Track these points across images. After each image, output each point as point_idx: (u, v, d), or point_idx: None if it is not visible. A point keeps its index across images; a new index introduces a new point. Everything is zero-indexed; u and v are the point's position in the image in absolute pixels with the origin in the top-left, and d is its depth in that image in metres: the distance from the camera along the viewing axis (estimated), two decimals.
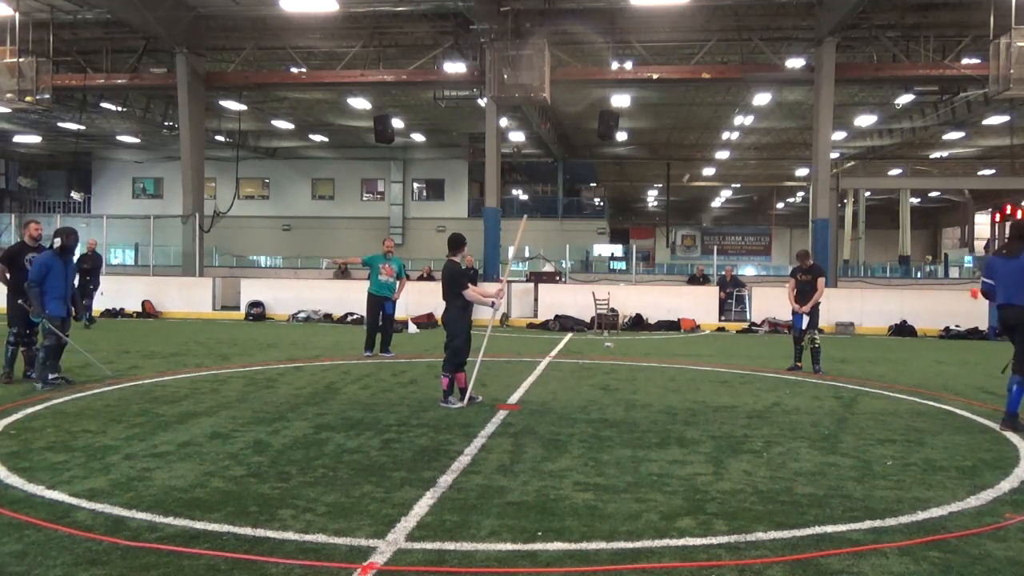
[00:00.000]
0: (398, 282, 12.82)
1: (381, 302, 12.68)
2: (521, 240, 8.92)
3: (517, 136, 34.32)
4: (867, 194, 44.62)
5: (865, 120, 30.12)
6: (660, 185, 49.55)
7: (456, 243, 8.49)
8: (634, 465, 5.96)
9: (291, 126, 33.80)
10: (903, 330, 18.78)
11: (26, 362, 9.51)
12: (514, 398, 8.84)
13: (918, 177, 39.78)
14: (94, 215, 37.47)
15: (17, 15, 19.33)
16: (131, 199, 43.10)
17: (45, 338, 8.96)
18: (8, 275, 9.45)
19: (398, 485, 5.32)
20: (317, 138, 37.30)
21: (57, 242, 9.02)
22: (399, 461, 5.95)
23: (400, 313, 17.65)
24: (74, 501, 4.87)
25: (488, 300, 8.62)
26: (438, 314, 19.93)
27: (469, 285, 8.45)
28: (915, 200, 47.32)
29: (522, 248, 9.41)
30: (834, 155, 34.63)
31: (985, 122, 28.80)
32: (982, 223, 51.72)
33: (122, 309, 20.47)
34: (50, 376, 9.06)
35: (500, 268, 23.34)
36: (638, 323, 19.37)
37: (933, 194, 49.37)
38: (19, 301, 9.12)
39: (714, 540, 4.40)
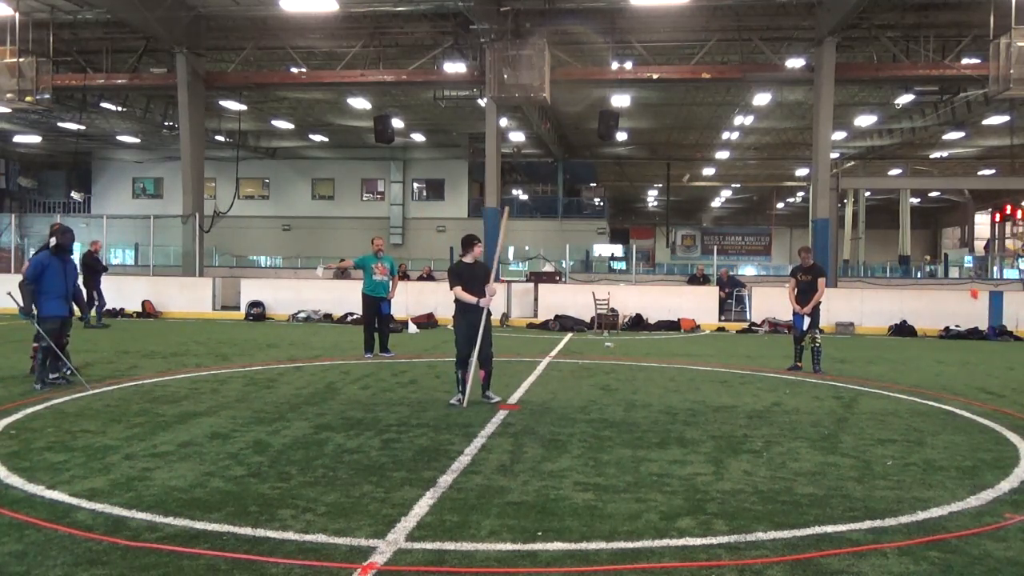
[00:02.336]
0: (391, 280, 12.79)
1: (376, 302, 12.64)
2: (505, 235, 9.22)
3: (517, 136, 34.31)
4: (867, 194, 44.63)
5: (865, 120, 30.12)
6: (660, 185, 49.56)
7: (463, 243, 8.64)
8: (634, 465, 5.96)
9: (291, 126, 33.80)
10: (903, 330, 18.77)
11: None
12: (514, 398, 8.84)
13: (918, 177, 39.78)
14: (94, 215, 37.48)
15: (17, 15, 19.32)
16: (131, 199, 43.11)
17: (41, 339, 8.95)
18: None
19: (398, 485, 5.32)
20: (317, 138, 37.30)
21: (52, 241, 9.04)
22: (399, 461, 5.96)
23: (400, 313, 17.69)
24: (74, 501, 4.87)
25: (472, 299, 8.34)
26: (438, 314, 19.97)
27: (458, 285, 8.35)
28: (915, 200, 47.33)
29: (506, 245, 9.78)
30: (834, 155, 34.63)
31: (985, 122, 28.79)
32: (982, 223, 51.76)
33: (122, 309, 20.47)
34: (50, 376, 9.08)
35: (500, 268, 23.37)
36: (638, 323, 19.36)
37: (933, 194, 49.38)
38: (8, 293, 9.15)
39: (714, 540, 4.40)
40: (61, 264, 9.06)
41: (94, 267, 17.79)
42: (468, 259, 8.54)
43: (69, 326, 9.36)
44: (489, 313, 8.47)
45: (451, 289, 8.42)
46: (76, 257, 10.60)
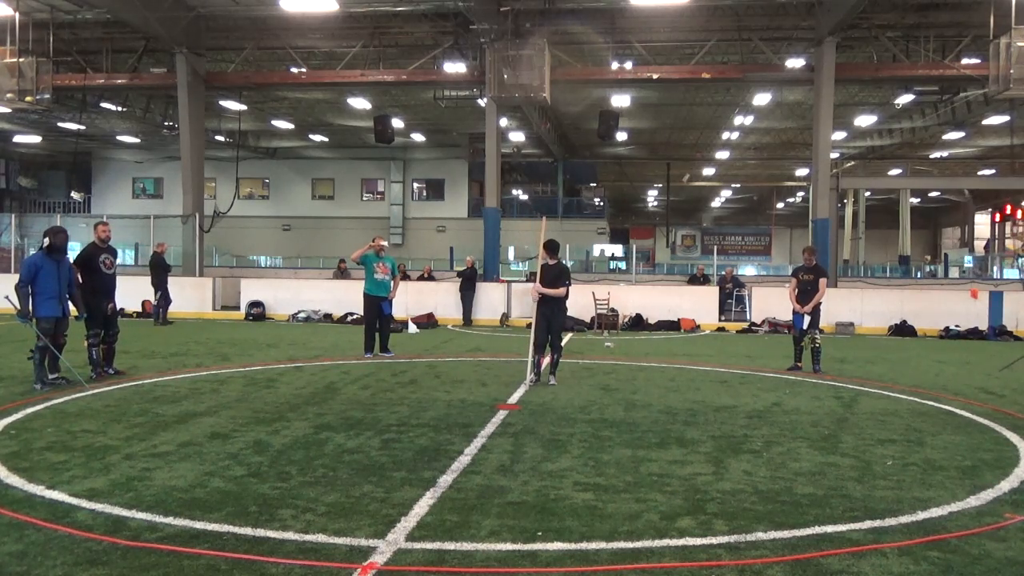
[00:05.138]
0: (393, 281, 12.81)
1: (378, 302, 12.68)
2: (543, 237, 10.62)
3: (517, 136, 34.31)
4: (867, 194, 44.61)
5: (865, 120, 30.12)
6: (660, 185, 49.53)
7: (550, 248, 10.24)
8: (634, 465, 5.96)
9: (291, 126, 33.79)
10: (903, 330, 18.78)
11: (104, 358, 9.93)
12: (514, 398, 8.84)
13: (918, 177, 39.76)
14: (94, 215, 37.42)
15: (17, 15, 19.32)
16: (131, 199, 43.09)
17: (37, 339, 8.96)
18: (81, 278, 9.71)
19: (398, 485, 5.32)
20: (317, 138, 37.30)
21: (46, 241, 9.05)
22: (399, 461, 5.95)
23: (400, 313, 17.68)
24: (74, 501, 4.87)
25: (534, 295, 10.07)
26: (438, 314, 19.98)
27: (535, 282, 10.02)
28: (915, 200, 47.30)
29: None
30: (834, 155, 34.60)
31: (985, 122, 28.80)
32: (982, 223, 51.76)
33: (122, 309, 20.40)
34: (50, 376, 9.08)
35: (500, 268, 23.37)
36: (638, 323, 19.36)
37: (933, 194, 49.36)
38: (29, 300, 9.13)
39: (714, 540, 4.40)
40: (55, 265, 9.06)
41: (161, 267, 18.83)
42: (551, 261, 10.06)
43: (65, 326, 9.35)
44: (561, 310, 10.10)
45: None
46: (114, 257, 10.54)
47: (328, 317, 20.07)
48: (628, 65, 22.40)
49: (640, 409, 8.30)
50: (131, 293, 20.90)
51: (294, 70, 24.05)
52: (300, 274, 27.62)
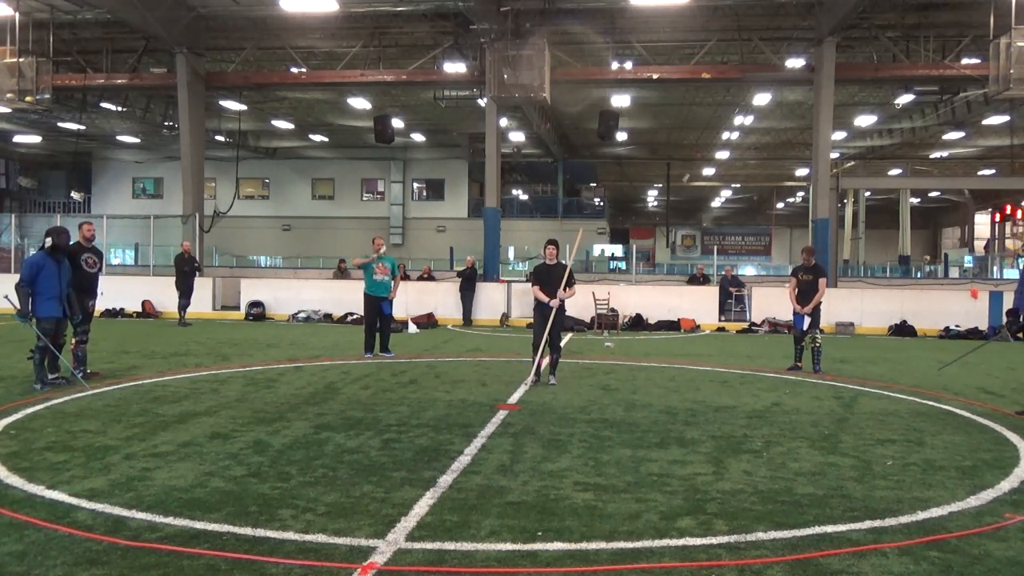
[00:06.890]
0: (393, 281, 12.81)
1: (378, 302, 12.68)
2: (579, 246, 10.67)
3: (517, 136, 34.30)
4: (867, 194, 44.63)
5: (865, 120, 30.11)
6: (660, 185, 49.54)
7: (544, 246, 10.18)
8: (634, 465, 5.96)
9: (291, 126, 33.79)
10: (903, 330, 18.77)
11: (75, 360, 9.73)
12: (514, 398, 8.84)
13: (918, 177, 39.77)
14: (94, 215, 37.43)
15: (17, 15, 19.32)
16: (131, 199, 43.13)
17: (37, 339, 8.94)
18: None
19: (398, 485, 5.32)
20: (317, 138, 37.29)
21: (48, 241, 9.02)
22: (399, 461, 5.95)
23: (400, 313, 17.68)
24: (74, 501, 4.87)
25: (544, 298, 9.81)
26: (438, 314, 19.98)
27: (536, 285, 9.89)
28: (915, 200, 47.31)
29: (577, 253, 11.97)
30: (834, 155, 34.60)
31: (985, 122, 28.79)
32: (982, 223, 51.75)
33: (122, 309, 20.47)
34: (49, 376, 9.07)
35: (500, 268, 23.37)
36: (638, 323, 19.36)
37: (933, 194, 49.37)
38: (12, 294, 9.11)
39: (714, 540, 4.40)
40: (56, 265, 9.05)
41: (189, 267, 18.74)
42: (549, 260, 9.92)
43: (64, 326, 9.35)
44: (563, 310, 10.01)
45: (531, 288, 10.05)
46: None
47: (328, 317, 20.07)
48: (628, 65, 22.40)
49: (640, 409, 8.30)
50: (131, 293, 20.94)
51: (294, 70, 24.04)
52: (300, 274, 27.64)
